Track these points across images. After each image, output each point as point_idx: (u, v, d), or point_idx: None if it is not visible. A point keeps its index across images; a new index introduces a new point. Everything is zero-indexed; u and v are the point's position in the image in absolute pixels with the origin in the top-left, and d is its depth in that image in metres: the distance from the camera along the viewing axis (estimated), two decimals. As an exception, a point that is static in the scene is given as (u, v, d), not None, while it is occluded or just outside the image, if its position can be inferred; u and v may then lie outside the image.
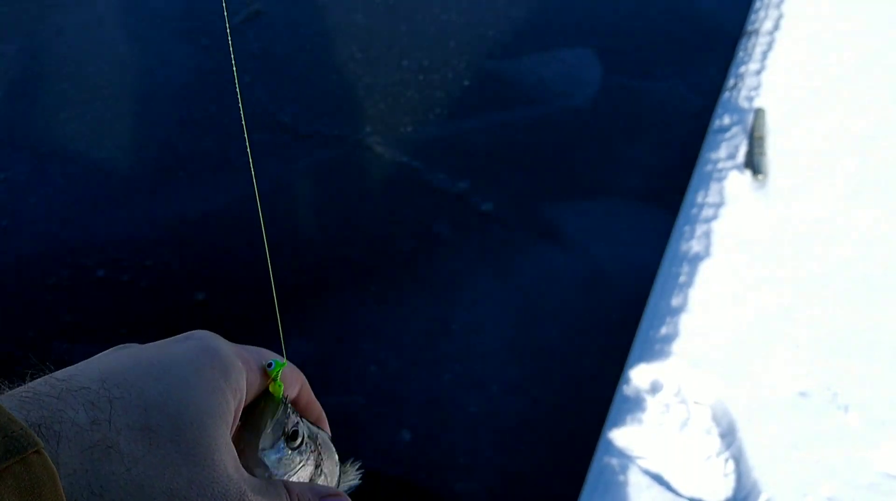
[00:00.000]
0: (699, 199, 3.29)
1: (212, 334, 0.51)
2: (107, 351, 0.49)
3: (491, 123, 4.78)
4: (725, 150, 3.52)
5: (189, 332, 0.52)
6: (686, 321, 2.76)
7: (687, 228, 3.16)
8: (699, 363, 2.63)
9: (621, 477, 2.31)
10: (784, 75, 3.99)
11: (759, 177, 3.29)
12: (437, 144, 4.54)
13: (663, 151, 4.65)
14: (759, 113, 3.61)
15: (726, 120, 3.75)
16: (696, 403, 2.53)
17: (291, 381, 0.58)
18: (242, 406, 0.50)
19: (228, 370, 0.48)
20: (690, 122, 4.81)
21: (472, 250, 3.82)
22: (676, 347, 2.66)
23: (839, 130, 3.67)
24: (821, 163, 3.46)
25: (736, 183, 3.30)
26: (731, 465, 2.40)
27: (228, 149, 4.36)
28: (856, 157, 3.52)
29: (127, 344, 0.51)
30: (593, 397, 3.11)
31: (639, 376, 2.62)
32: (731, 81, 4.09)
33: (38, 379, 0.42)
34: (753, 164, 3.33)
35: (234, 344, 0.53)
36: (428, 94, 4.99)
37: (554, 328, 3.45)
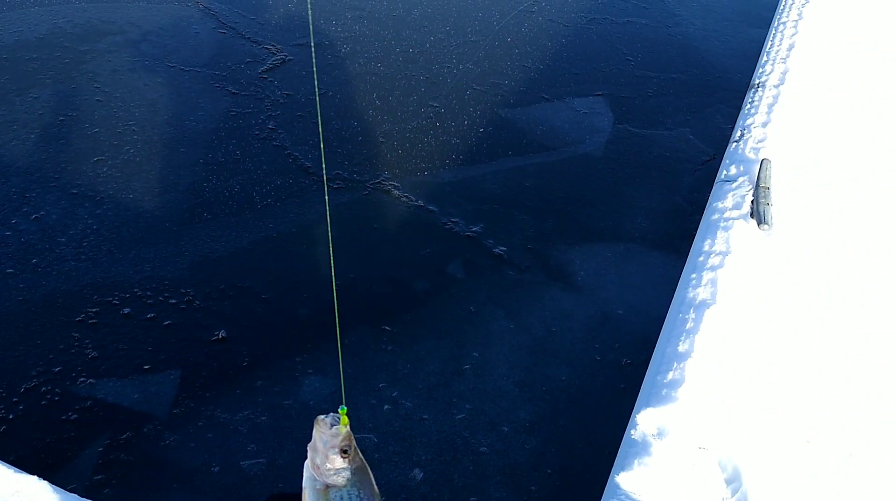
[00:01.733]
0: (706, 247, 3.39)
1: None
2: None
3: (504, 168, 4.92)
4: (731, 200, 3.63)
5: None
6: (692, 367, 2.84)
7: (694, 275, 3.25)
8: (705, 408, 2.70)
9: (628, 520, 2.36)
10: (789, 128, 4.11)
11: (764, 227, 3.38)
12: (452, 188, 4.68)
13: (672, 197, 4.76)
14: (764, 164, 3.72)
15: (733, 170, 3.86)
16: (701, 448, 2.59)
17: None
18: None
19: None
20: (698, 170, 4.94)
21: (484, 292, 3.92)
22: (682, 392, 2.73)
23: (843, 182, 3.77)
24: (825, 214, 3.56)
25: (741, 233, 3.40)
26: (736, 510, 2.44)
27: (252, 192, 4.52)
28: (860, 208, 3.61)
29: None
30: (603, 437, 3.17)
31: (646, 420, 2.68)
32: (737, 133, 4.21)
33: None
34: (759, 214, 3.43)
35: None
36: (444, 140, 5.16)
37: (565, 368, 3.53)
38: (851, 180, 3.80)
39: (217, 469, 2.98)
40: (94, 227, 4.13)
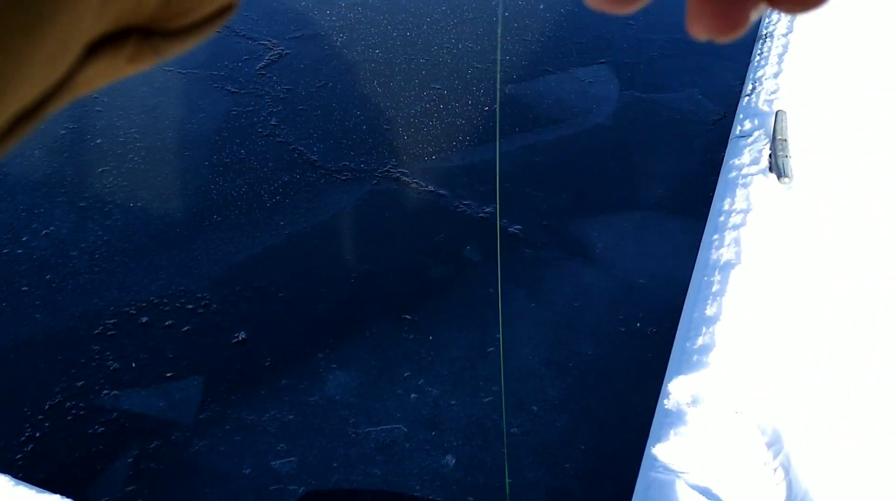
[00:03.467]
0: (726, 206, 3.30)
1: None
2: None
3: (513, 146, 4.84)
4: (749, 155, 3.53)
5: None
6: (721, 331, 2.76)
7: (716, 236, 3.17)
8: (738, 371, 2.63)
9: (668, 493, 2.31)
10: (802, 76, 4.00)
11: (784, 180, 3.29)
12: (461, 170, 4.60)
13: (686, 160, 4.66)
14: (779, 115, 3.62)
15: (747, 125, 3.76)
16: (737, 412, 2.52)
17: None
18: None
19: None
20: (711, 130, 4.82)
21: (503, 272, 3.85)
22: (714, 357, 2.67)
23: (863, 127, 3.66)
24: (847, 163, 3.45)
25: (762, 188, 3.31)
26: (780, 473, 2.38)
27: (260, 190, 4.47)
28: (881, 153, 3.50)
29: None
30: (635, 409, 3.11)
31: (678, 389, 2.62)
32: (748, 86, 4.10)
33: None
34: (778, 167, 3.34)
35: None
36: (450, 122, 5.07)
37: (590, 343, 3.47)
38: (871, 125, 3.69)
39: (248, 470, 2.96)
40: (105, 238, 4.11)
